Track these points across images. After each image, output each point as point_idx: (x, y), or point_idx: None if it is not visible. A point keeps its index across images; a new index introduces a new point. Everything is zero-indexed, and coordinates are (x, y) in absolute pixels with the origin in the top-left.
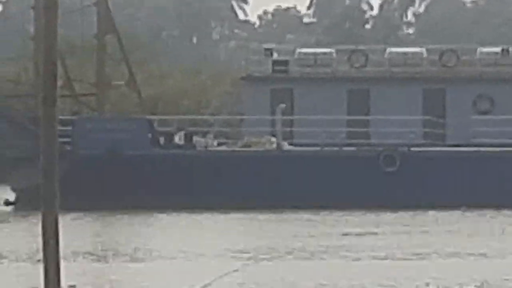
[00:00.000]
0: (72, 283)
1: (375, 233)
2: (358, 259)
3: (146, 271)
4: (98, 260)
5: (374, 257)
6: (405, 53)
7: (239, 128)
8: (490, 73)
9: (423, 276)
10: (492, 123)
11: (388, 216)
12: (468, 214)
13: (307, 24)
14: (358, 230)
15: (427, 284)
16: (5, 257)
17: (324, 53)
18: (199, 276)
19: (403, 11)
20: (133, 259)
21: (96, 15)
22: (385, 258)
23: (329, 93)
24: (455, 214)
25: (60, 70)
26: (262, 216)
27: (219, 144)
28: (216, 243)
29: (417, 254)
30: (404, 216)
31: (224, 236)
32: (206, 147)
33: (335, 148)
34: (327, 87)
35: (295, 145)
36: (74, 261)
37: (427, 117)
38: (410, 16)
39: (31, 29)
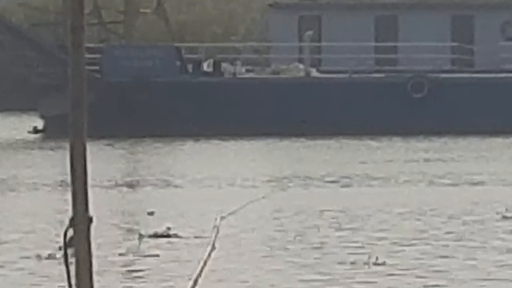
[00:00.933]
0: (150, 209)
1: (407, 160)
2: (385, 186)
3: (174, 198)
4: (125, 188)
5: (406, 182)
6: None
7: (267, 55)
8: None
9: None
10: None
11: (415, 143)
12: (499, 140)
13: None
14: (389, 157)
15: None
16: (34, 185)
17: None
18: (227, 202)
19: None
20: (161, 187)
21: None
22: (430, 183)
23: (357, 20)
24: (487, 141)
25: None
26: (289, 143)
27: (247, 71)
28: (244, 169)
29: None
30: (435, 142)
31: (252, 163)
32: (234, 74)
33: (363, 75)
34: (355, 14)
35: (323, 72)
36: (102, 189)
37: (455, 44)
38: None
39: None
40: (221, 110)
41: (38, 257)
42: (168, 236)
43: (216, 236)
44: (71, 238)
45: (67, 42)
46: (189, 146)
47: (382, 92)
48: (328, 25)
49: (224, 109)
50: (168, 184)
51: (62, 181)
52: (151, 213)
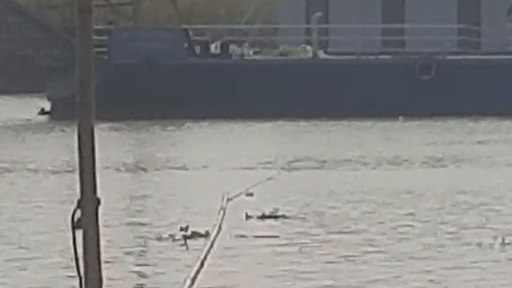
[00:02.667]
0: (250, 191)
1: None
2: (398, 168)
3: (181, 181)
4: (133, 170)
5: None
6: None
7: (275, 37)
8: None
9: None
10: None
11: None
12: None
13: None
14: (396, 136)
15: None
16: (40, 168)
17: None
18: (234, 184)
19: None
20: (169, 169)
21: None
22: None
23: (364, 2)
24: (494, 122)
25: None
26: (297, 125)
27: (255, 53)
28: (252, 151)
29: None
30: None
31: (259, 145)
32: (242, 56)
33: (371, 57)
34: None
35: (330, 53)
36: (110, 171)
37: (461, 25)
38: None
39: None
40: (229, 92)
41: (159, 238)
42: (275, 217)
43: (223, 218)
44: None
45: (75, 24)
46: (197, 128)
47: (390, 74)
48: (335, 7)
49: (232, 91)
50: (172, 168)
51: (69, 163)
52: (250, 194)
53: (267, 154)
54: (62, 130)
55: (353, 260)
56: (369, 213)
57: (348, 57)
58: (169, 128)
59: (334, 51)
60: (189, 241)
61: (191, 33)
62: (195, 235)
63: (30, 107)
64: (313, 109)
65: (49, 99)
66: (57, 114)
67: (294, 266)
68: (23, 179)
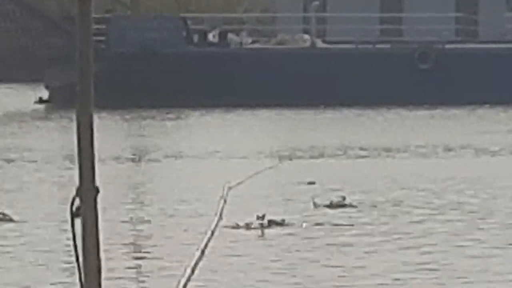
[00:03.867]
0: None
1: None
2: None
3: (180, 170)
4: (131, 160)
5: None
6: None
7: (273, 26)
8: None
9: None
10: None
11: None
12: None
13: None
14: (396, 127)
15: None
16: (38, 156)
17: None
18: (233, 174)
19: None
20: (167, 158)
21: None
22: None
23: None
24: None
25: None
26: (296, 114)
27: (253, 42)
28: (250, 141)
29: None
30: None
31: (258, 134)
32: (240, 44)
33: (369, 46)
34: None
35: (328, 42)
36: (108, 161)
37: (460, 14)
38: None
39: None
40: (227, 80)
41: (236, 226)
42: (343, 205)
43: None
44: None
45: (73, 13)
46: (195, 116)
47: (389, 63)
48: None
49: (230, 79)
50: (170, 157)
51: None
52: (312, 183)
53: (266, 143)
54: (61, 119)
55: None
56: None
57: (347, 46)
58: (167, 117)
59: (332, 40)
60: (265, 230)
61: (189, 22)
62: (271, 223)
63: (28, 96)
64: (311, 98)
65: (47, 88)
66: (55, 103)
67: (396, 255)
68: (20, 168)
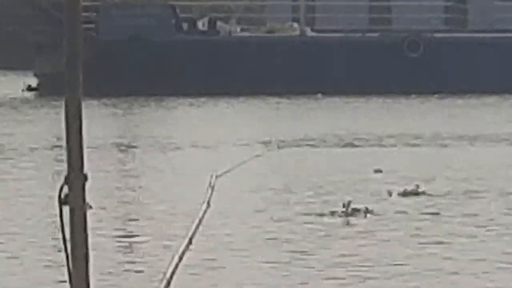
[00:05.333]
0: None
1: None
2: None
3: (170, 159)
4: (119, 149)
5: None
6: None
7: (262, 14)
8: None
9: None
10: None
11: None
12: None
13: None
14: (388, 115)
15: None
16: (26, 145)
17: None
18: (221, 162)
19: None
20: (156, 146)
21: None
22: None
23: None
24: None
25: None
26: (285, 102)
27: (242, 30)
28: (239, 129)
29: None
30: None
31: (247, 122)
32: (229, 33)
33: (358, 34)
34: None
35: (317, 31)
36: (96, 149)
37: (448, 3)
38: None
39: None
40: (216, 69)
41: (321, 214)
42: (417, 193)
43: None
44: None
45: (63, 0)
46: (184, 105)
47: (378, 52)
48: None
49: (219, 68)
50: (158, 145)
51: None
52: (378, 171)
53: (255, 132)
54: (49, 106)
55: None
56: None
57: (336, 34)
58: (156, 105)
59: (321, 28)
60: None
61: (178, 10)
62: (355, 212)
63: (17, 84)
64: (300, 86)
65: (35, 75)
66: (44, 91)
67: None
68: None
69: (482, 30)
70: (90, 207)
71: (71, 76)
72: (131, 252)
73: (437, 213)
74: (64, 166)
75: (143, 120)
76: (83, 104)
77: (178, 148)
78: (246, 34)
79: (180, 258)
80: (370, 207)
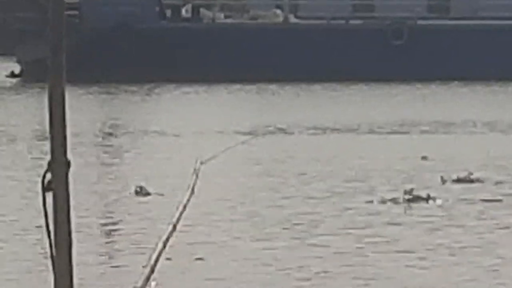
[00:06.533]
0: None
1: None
2: (371, 132)
3: (155, 145)
4: (103, 135)
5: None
6: None
7: (245, 1)
8: None
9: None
10: None
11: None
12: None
13: None
14: (371, 103)
15: None
16: (8, 132)
17: None
18: (205, 149)
19: None
20: (141, 133)
21: None
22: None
23: None
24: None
25: None
26: (268, 89)
27: (225, 17)
28: (224, 116)
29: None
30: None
31: (231, 110)
32: (213, 20)
33: (342, 21)
34: None
35: (301, 18)
36: (80, 135)
37: None
38: None
39: None
40: (200, 55)
41: (383, 201)
42: (471, 181)
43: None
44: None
45: None
46: (169, 91)
47: (362, 39)
48: None
49: (203, 54)
50: (143, 133)
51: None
52: (424, 158)
53: (239, 119)
54: (32, 93)
55: None
56: None
57: (319, 21)
58: (140, 91)
59: (304, 15)
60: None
61: None
62: (417, 198)
63: (0, 70)
64: (283, 73)
65: (19, 62)
66: (27, 77)
67: None
68: None
69: (465, 17)
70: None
71: (54, 63)
72: (115, 238)
73: (500, 200)
74: (48, 153)
75: (126, 107)
76: (67, 91)
77: (163, 134)
78: (229, 21)
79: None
80: (423, 194)
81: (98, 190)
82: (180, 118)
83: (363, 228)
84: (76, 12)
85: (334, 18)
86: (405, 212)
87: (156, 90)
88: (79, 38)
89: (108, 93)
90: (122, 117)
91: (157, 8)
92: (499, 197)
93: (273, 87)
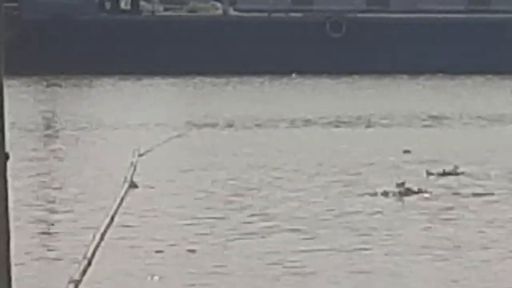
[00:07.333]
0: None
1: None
2: (308, 125)
3: (93, 138)
4: (41, 128)
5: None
6: None
7: None
8: None
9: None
10: None
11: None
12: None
13: None
14: (309, 95)
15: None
16: None
17: None
18: (142, 142)
19: None
20: (79, 126)
21: None
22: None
23: None
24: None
25: None
26: (208, 82)
27: (165, 10)
28: (163, 109)
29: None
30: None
31: (170, 102)
32: (152, 12)
33: (281, 14)
34: None
35: (240, 10)
36: (19, 128)
37: None
38: None
39: None
40: (139, 48)
41: (374, 193)
42: (457, 174)
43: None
44: None
45: None
46: (109, 84)
47: (301, 32)
48: None
49: (142, 47)
50: (80, 127)
51: None
52: (407, 151)
53: (177, 112)
54: None
55: None
56: None
57: (258, 14)
58: (79, 83)
59: (244, 8)
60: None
61: None
62: (409, 192)
63: None
64: (223, 66)
65: None
66: None
67: None
68: None
69: (404, 11)
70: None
71: None
72: (52, 231)
73: (492, 193)
74: None
75: (65, 99)
76: (5, 84)
77: (101, 127)
78: (168, 13)
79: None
80: (411, 187)
81: (34, 183)
82: (119, 110)
83: (361, 222)
84: (15, 4)
85: (273, 11)
86: (402, 206)
87: (96, 83)
88: (18, 29)
89: (47, 85)
90: (61, 109)
91: (97, 0)
92: (491, 191)
93: (212, 79)
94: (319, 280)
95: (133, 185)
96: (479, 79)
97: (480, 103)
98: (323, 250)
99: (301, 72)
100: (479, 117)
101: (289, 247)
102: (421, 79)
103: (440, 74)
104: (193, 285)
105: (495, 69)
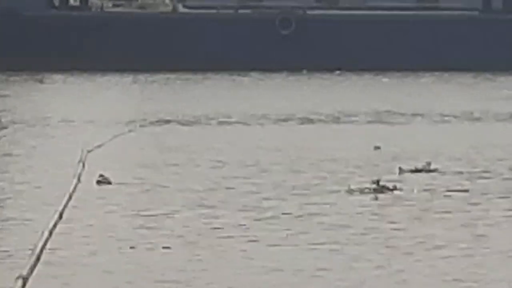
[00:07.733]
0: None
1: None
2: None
3: (42, 135)
4: None
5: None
6: None
7: None
8: None
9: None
10: None
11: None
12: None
13: None
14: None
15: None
16: None
17: None
18: (93, 138)
19: None
20: (26, 123)
21: None
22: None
23: None
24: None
25: None
26: (157, 79)
27: (114, 6)
28: (112, 106)
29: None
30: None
31: (118, 99)
32: (101, 8)
33: (231, 11)
34: None
35: (189, 7)
36: None
37: None
38: None
39: None
40: (88, 44)
41: (350, 190)
42: (430, 171)
43: (81, 170)
44: None
45: None
46: (58, 80)
47: (250, 28)
48: None
49: (92, 43)
50: (30, 122)
51: None
52: (378, 148)
53: (128, 108)
54: None
55: None
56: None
57: (208, 11)
58: (29, 80)
59: (193, 4)
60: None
61: None
62: (384, 189)
63: None
64: (172, 62)
65: None
66: None
67: None
68: None
69: (353, 8)
70: None
71: None
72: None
73: (467, 190)
74: None
75: (15, 96)
76: None
77: (49, 124)
78: (118, 9)
79: (50, 233)
80: (396, 185)
81: None
82: (68, 107)
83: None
84: None
85: (223, 7)
86: (378, 203)
87: (45, 79)
88: None
89: None
90: (10, 106)
91: None
92: (465, 187)
93: (162, 76)
94: (283, 275)
95: (80, 181)
96: (430, 77)
97: (443, 101)
98: (294, 246)
99: (250, 69)
100: (443, 115)
101: (258, 245)
102: (371, 75)
103: (391, 71)
104: (163, 281)
105: (447, 66)
